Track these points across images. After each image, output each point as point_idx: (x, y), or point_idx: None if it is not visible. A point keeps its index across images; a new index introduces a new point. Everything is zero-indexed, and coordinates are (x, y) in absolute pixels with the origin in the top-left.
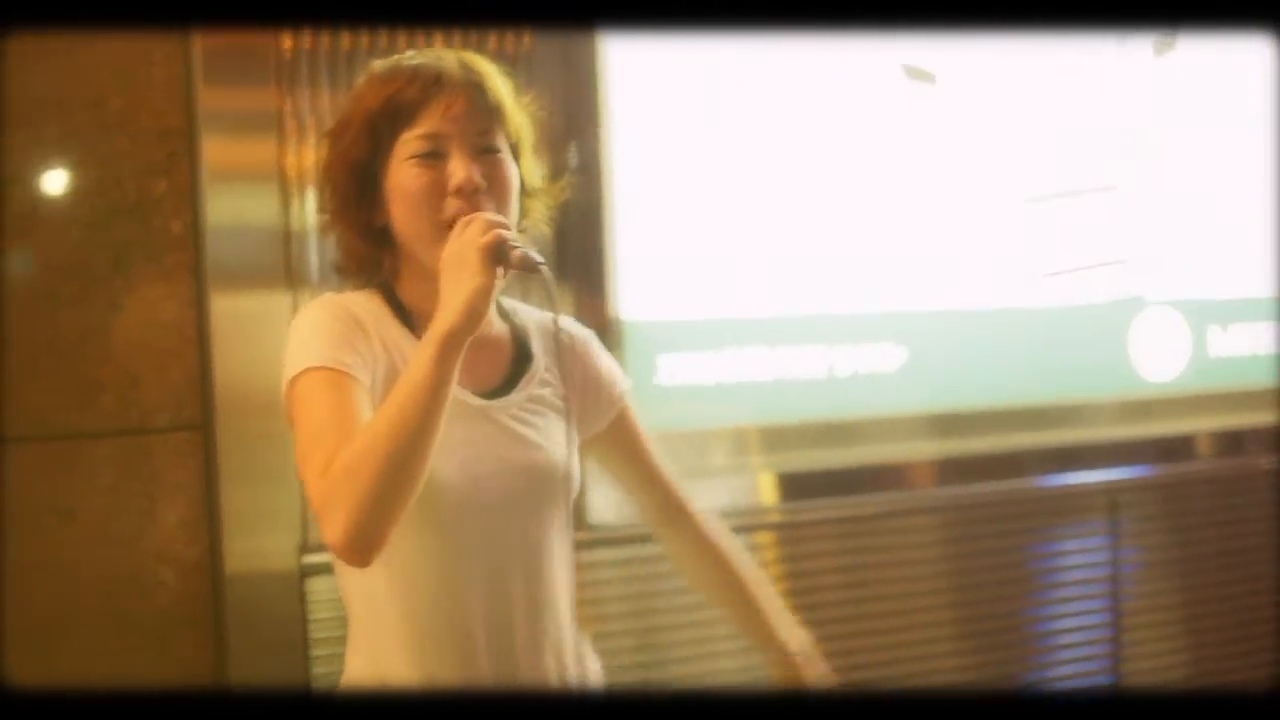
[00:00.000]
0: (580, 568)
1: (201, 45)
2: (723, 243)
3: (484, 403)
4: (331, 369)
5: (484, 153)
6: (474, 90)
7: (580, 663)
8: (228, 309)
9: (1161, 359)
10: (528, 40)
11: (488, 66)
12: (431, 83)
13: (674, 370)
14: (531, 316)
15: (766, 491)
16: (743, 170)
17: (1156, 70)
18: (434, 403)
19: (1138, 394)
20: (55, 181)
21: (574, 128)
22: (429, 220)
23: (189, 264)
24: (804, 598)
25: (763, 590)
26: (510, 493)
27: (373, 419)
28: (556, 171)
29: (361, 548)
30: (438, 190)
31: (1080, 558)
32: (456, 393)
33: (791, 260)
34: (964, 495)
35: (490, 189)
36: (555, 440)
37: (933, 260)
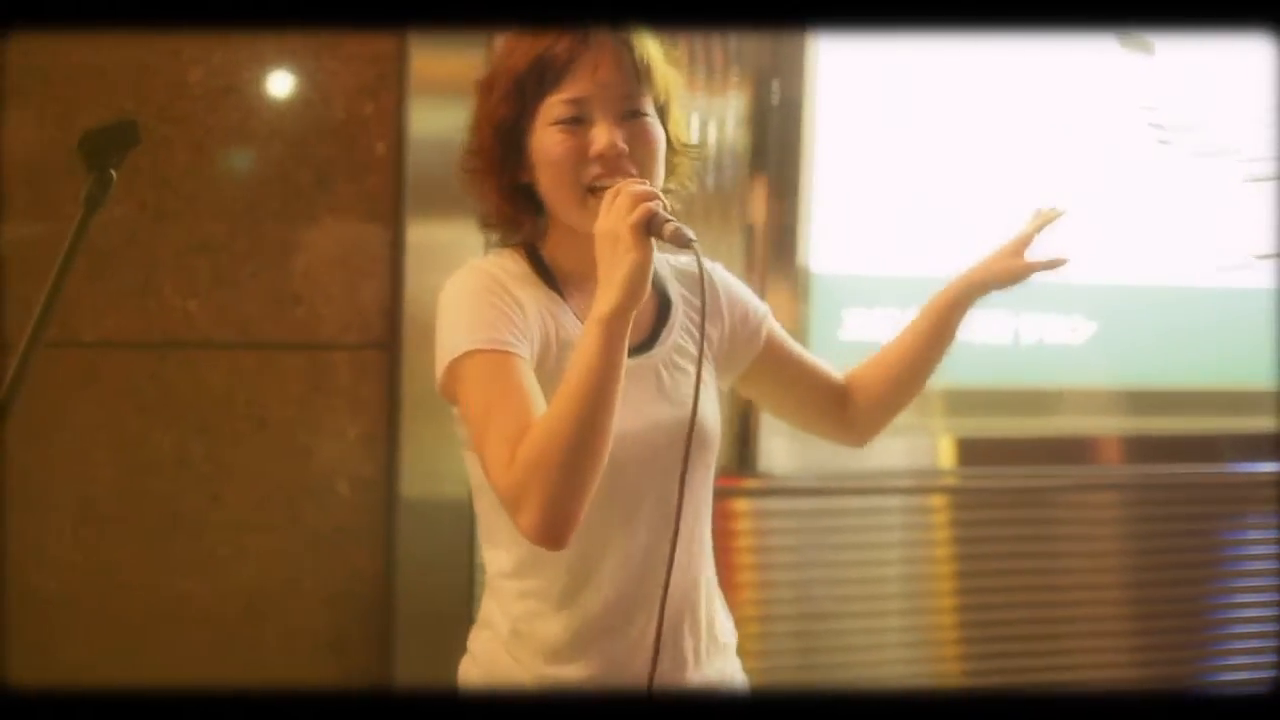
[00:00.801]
0: (748, 515)
1: None
2: (916, 200)
3: (630, 361)
4: (494, 351)
5: (629, 116)
6: (622, 49)
7: (718, 618)
8: (423, 232)
9: None
10: None
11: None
12: (579, 41)
13: (860, 326)
14: (665, 261)
15: (945, 455)
16: (943, 129)
17: None
18: (608, 383)
19: None
20: (267, 96)
21: (779, 64)
22: (571, 185)
23: (389, 186)
24: (971, 563)
25: (909, 331)
26: (656, 448)
27: (551, 405)
28: (756, 109)
29: (558, 533)
30: (580, 155)
31: (1254, 549)
32: None
33: (984, 223)
34: (1140, 474)
35: (634, 152)
36: (699, 394)
37: (1132, 234)
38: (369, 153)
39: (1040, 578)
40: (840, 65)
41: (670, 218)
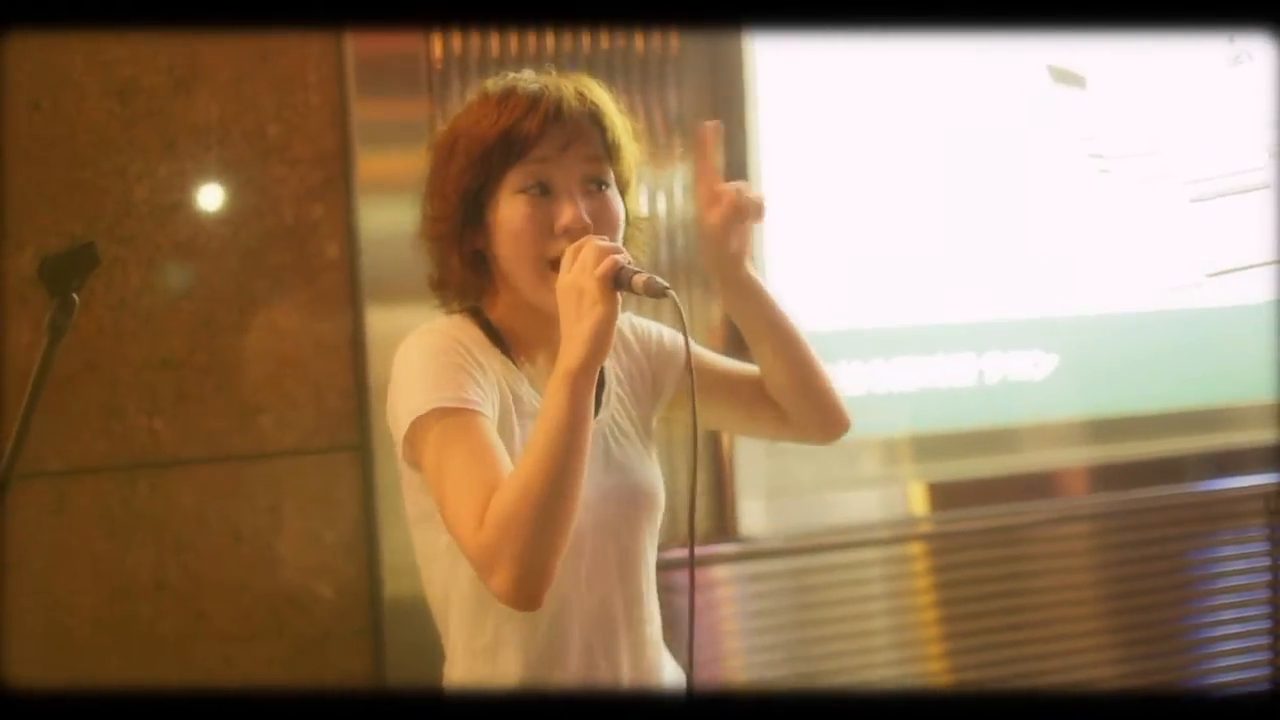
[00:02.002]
0: (730, 582)
1: (355, 58)
2: (870, 250)
3: None
4: (460, 409)
5: (592, 189)
6: (591, 124)
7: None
8: (384, 329)
9: None
10: (675, 41)
11: (604, 95)
12: (550, 115)
13: None
14: None
15: (917, 501)
16: (890, 176)
17: None
18: (576, 439)
19: None
20: (215, 209)
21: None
22: (533, 257)
23: (345, 285)
24: (957, 608)
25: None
26: (604, 516)
27: (519, 464)
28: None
29: (532, 592)
30: (545, 228)
31: (1237, 564)
32: None
33: (939, 267)
34: (1117, 502)
35: (597, 226)
36: (640, 459)
37: (1084, 264)
38: (321, 255)
39: (1025, 615)
40: (782, 127)
41: (639, 269)
